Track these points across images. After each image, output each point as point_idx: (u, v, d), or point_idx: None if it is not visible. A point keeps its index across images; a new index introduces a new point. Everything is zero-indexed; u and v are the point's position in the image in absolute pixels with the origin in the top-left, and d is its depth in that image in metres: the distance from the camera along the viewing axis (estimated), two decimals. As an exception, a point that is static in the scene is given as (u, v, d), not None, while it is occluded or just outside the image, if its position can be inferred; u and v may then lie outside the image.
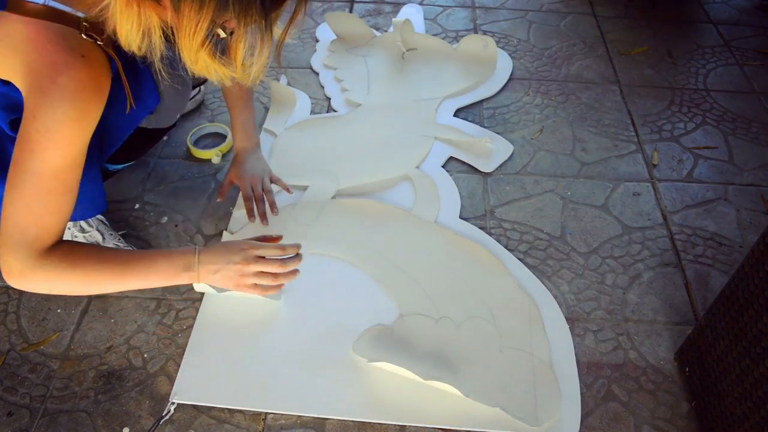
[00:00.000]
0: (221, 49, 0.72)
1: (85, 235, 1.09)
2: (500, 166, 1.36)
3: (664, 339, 1.05)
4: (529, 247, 1.19)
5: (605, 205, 1.29)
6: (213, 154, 1.34)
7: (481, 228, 1.21)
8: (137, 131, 1.00)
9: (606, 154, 1.41)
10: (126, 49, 0.72)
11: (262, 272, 0.91)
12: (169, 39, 0.71)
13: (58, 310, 1.07)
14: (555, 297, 1.10)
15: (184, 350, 1.00)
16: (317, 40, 1.74)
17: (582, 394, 0.96)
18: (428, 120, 1.45)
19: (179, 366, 0.98)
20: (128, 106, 0.85)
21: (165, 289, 1.10)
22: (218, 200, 1.22)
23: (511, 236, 1.21)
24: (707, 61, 1.72)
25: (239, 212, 1.23)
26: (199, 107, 1.50)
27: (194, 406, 0.94)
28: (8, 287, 1.10)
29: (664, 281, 1.14)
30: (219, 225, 1.22)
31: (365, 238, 1.17)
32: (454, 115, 1.49)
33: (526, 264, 1.15)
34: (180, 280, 0.87)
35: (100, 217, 1.13)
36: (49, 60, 0.70)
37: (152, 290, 1.10)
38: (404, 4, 1.90)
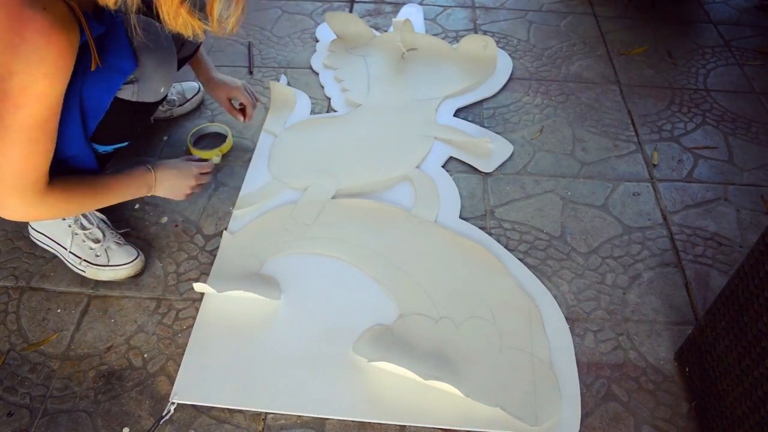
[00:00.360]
0: (199, 5, 0.77)
1: (86, 231, 1.09)
2: (500, 166, 1.36)
3: (664, 339, 1.05)
4: (529, 247, 1.19)
5: (605, 205, 1.29)
6: (213, 155, 1.34)
7: (481, 228, 1.21)
8: (122, 105, 0.99)
9: (606, 154, 1.41)
10: (101, 2, 0.77)
11: (198, 185, 1.16)
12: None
13: (58, 310, 1.07)
14: (555, 297, 1.10)
15: (184, 350, 1.00)
16: (317, 40, 1.74)
17: (582, 394, 0.96)
18: (428, 120, 1.45)
19: (179, 366, 0.98)
20: (93, 63, 0.88)
21: (165, 289, 1.10)
22: (245, 121, 1.37)
23: (511, 236, 1.21)
24: (707, 61, 1.72)
25: (239, 212, 1.23)
26: (199, 107, 1.50)
27: (194, 406, 0.94)
28: (8, 287, 1.10)
29: (664, 281, 1.14)
30: (219, 225, 1.22)
31: (365, 238, 1.17)
32: (454, 115, 1.49)
33: (526, 264, 1.15)
34: (143, 194, 1.08)
35: (101, 215, 1.13)
36: (13, 15, 0.74)
37: (152, 290, 1.10)
38: (404, 4, 1.90)
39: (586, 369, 1.00)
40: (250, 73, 1.62)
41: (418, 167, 1.33)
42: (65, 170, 0.97)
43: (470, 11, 1.89)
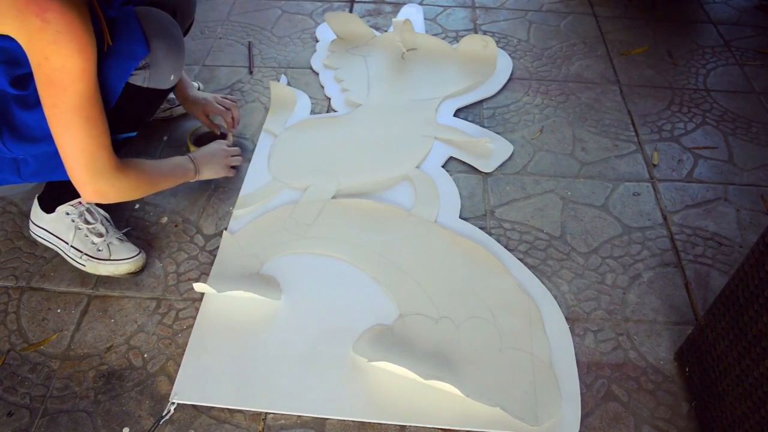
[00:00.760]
0: None
1: (89, 226, 1.09)
2: (500, 166, 1.36)
3: (664, 339, 1.05)
4: (529, 247, 1.19)
5: (605, 205, 1.29)
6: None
7: (481, 228, 1.21)
8: (133, 92, 1.01)
9: (606, 154, 1.41)
10: None
11: (233, 156, 1.27)
12: None
13: (58, 310, 1.07)
14: (555, 297, 1.10)
15: (184, 350, 1.00)
16: (317, 40, 1.74)
17: (582, 394, 0.96)
18: (428, 120, 1.45)
19: (179, 366, 0.98)
20: (105, 43, 0.91)
21: (165, 289, 1.11)
22: (232, 129, 1.38)
23: (511, 236, 1.21)
24: (707, 61, 1.72)
25: (239, 212, 1.23)
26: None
27: (194, 406, 0.94)
28: (8, 287, 1.10)
29: (664, 281, 1.14)
30: (219, 225, 1.22)
31: (365, 238, 1.17)
32: (454, 115, 1.49)
33: (526, 264, 1.15)
34: (189, 179, 1.16)
35: (104, 213, 1.14)
36: (32, 1, 0.77)
37: (152, 290, 1.10)
38: (404, 4, 1.90)
39: (586, 369, 1.00)
40: (250, 73, 1.62)
41: (418, 167, 1.33)
42: None
43: (470, 11, 1.89)
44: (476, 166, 1.35)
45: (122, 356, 1.01)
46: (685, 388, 0.98)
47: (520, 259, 1.16)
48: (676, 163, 1.40)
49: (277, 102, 1.51)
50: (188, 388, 0.95)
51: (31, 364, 1.00)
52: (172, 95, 1.44)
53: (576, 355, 1.01)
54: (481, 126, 1.46)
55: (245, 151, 1.38)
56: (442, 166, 1.35)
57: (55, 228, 1.11)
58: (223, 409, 0.94)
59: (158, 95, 1.07)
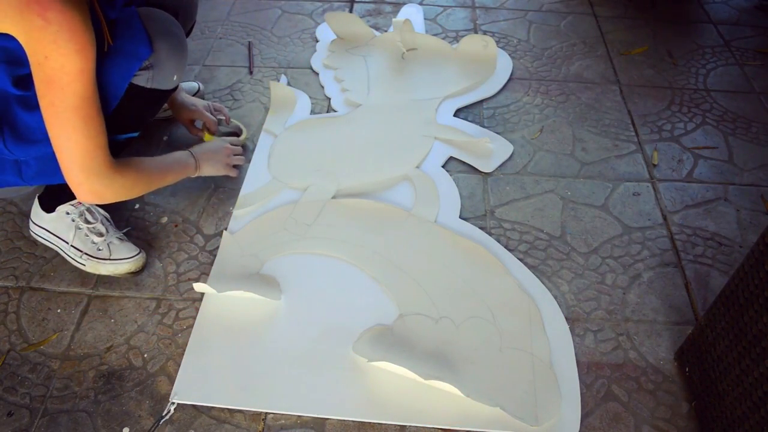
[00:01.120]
0: None
1: (89, 226, 1.09)
2: (500, 166, 1.36)
3: (664, 339, 1.05)
4: (529, 247, 1.19)
5: (605, 205, 1.29)
6: (243, 136, 1.38)
7: (481, 228, 1.21)
8: (136, 92, 1.01)
9: (606, 154, 1.41)
10: None
11: (235, 155, 1.27)
12: None
13: (58, 310, 1.07)
14: (555, 297, 1.10)
15: (184, 350, 1.00)
16: (317, 40, 1.74)
17: (582, 394, 0.96)
18: (428, 120, 1.45)
19: (179, 366, 0.98)
20: (105, 43, 0.91)
21: (165, 289, 1.10)
22: (194, 135, 1.37)
23: (511, 236, 1.21)
24: (707, 61, 1.72)
25: (239, 212, 1.23)
26: (199, 107, 1.50)
27: (194, 406, 0.94)
28: (8, 287, 1.10)
29: (664, 281, 1.14)
30: (219, 225, 1.22)
31: (365, 238, 1.17)
32: (454, 115, 1.49)
33: (526, 264, 1.15)
34: (189, 174, 1.17)
35: (104, 213, 1.14)
36: (32, 0, 0.77)
37: (152, 290, 1.10)
38: (404, 4, 1.90)
39: (586, 369, 1.00)
40: (250, 73, 1.62)
41: (418, 167, 1.33)
42: None
43: (470, 11, 1.89)
44: (476, 166, 1.35)
45: (122, 356, 1.01)
46: (685, 388, 0.98)
47: (520, 259, 1.16)
48: (676, 163, 1.40)
49: (277, 102, 1.51)
50: (188, 388, 0.95)
51: (31, 364, 1.00)
52: None
53: (576, 355, 1.01)
54: (481, 126, 1.46)
55: (245, 151, 1.38)
56: (442, 166, 1.35)
57: (55, 227, 1.11)
58: (223, 409, 0.94)
59: (161, 96, 1.07)
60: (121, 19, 0.96)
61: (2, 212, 1.23)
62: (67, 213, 1.09)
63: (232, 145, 1.29)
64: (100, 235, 1.10)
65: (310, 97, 1.54)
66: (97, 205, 1.14)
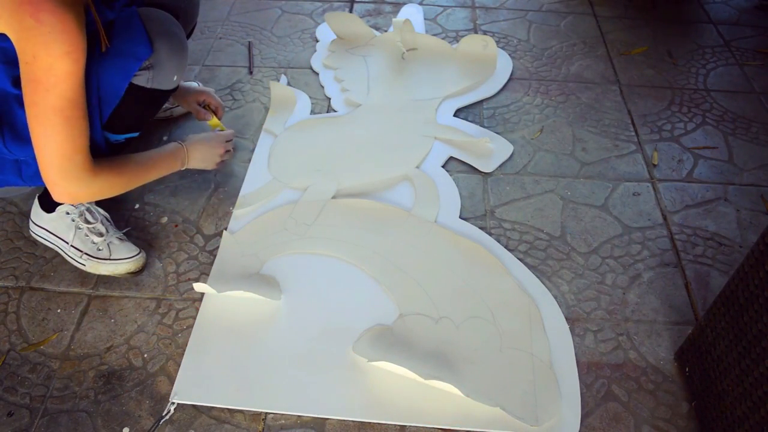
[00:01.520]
0: None
1: (89, 226, 1.09)
2: (500, 166, 1.36)
3: (664, 339, 1.05)
4: (529, 247, 1.19)
5: (605, 205, 1.29)
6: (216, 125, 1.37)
7: (481, 228, 1.21)
8: (136, 92, 1.01)
9: (606, 154, 1.41)
10: None
11: (227, 152, 1.24)
12: None
13: (58, 310, 1.07)
14: (555, 297, 1.10)
15: (184, 350, 1.00)
16: (317, 40, 1.74)
17: (582, 394, 0.96)
18: (428, 120, 1.45)
19: (179, 366, 0.98)
20: (102, 44, 0.91)
21: (165, 289, 1.10)
22: (201, 119, 1.34)
23: (511, 236, 1.21)
24: (707, 61, 1.72)
25: (239, 212, 1.23)
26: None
27: (194, 406, 0.94)
28: (8, 287, 1.10)
29: (664, 281, 1.14)
30: (219, 225, 1.22)
31: (365, 238, 1.17)
32: (454, 115, 1.49)
33: (526, 264, 1.15)
34: (177, 168, 1.15)
35: (104, 213, 1.14)
36: (25, 0, 0.77)
37: (152, 290, 1.10)
38: (404, 4, 1.90)
39: (586, 369, 1.00)
40: (250, 73, 1.62)
41: (418, 167, 1.33)
42: None
43: (470, 11, 1.89)
44: (476, 166, 1.35)
45: (122, 356, 1.01)
46: (685, 388, 0.98)
47: (520, 259, 1.16)
48: (676, 163, 1.40)
49: (277, 102, 1.51)
50: (188, 388, 0.95)
51: (31, 364, 1.00)
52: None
53: (576, 355, 1.01)
54: (481, 126, 1.46)
55: (245, 151, 1.38)
56: (442, 166, 1.35)
57: (55, 227, 1.11)
58: (223, 409, 0.94)
59: (161, 96, 1.08)
60: (121, 20, 0.96)
61: (2, 212, 1.23)
62: (67, 213, 1.09)
63: (226, 139, 1.26)
64: (100, 235, 1.10)
65: (310, 97, 1.54)
66: (97, 205, 1.14)
